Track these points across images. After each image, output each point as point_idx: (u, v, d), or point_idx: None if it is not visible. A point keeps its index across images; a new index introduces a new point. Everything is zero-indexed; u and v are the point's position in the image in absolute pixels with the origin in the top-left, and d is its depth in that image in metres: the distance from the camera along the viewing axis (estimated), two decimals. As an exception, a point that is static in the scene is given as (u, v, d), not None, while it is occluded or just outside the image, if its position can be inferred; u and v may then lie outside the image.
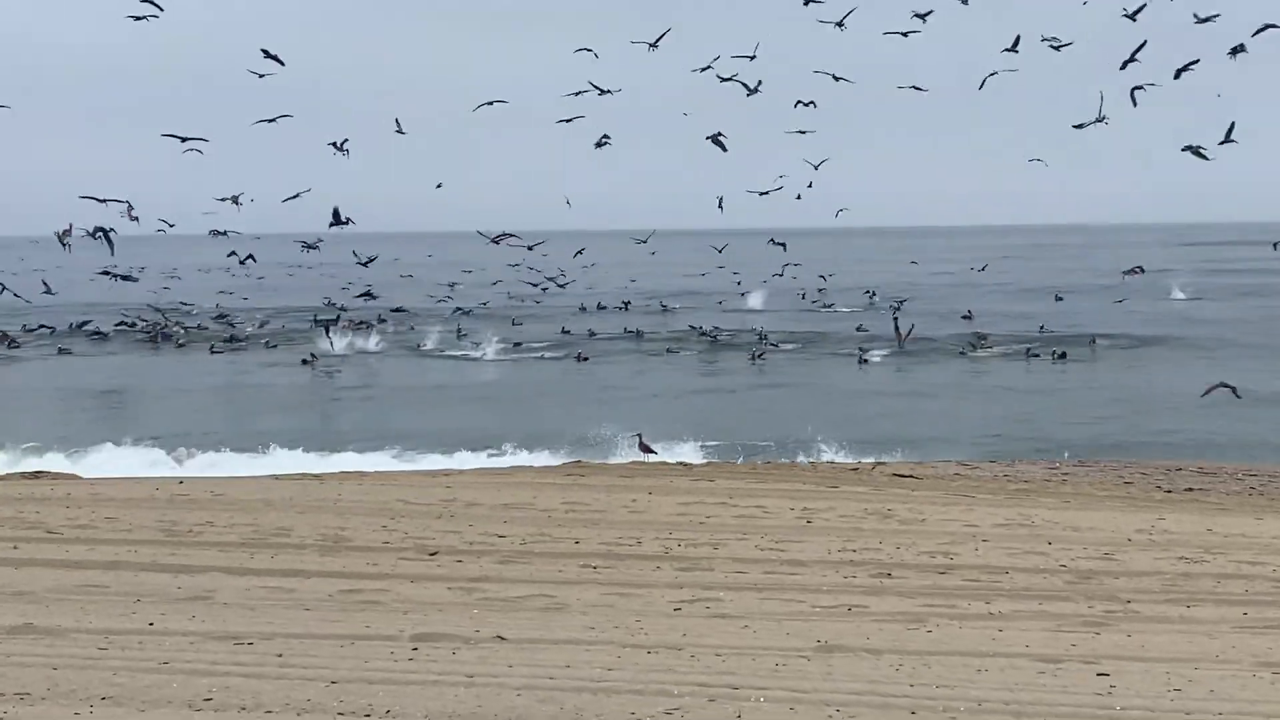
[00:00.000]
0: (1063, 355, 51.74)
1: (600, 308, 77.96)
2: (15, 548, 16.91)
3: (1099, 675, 11.43)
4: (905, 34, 27.34)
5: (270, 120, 26.93)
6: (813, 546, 17.77)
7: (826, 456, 30.00)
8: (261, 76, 25.91)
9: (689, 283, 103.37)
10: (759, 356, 53.48)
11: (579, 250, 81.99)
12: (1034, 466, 26.92)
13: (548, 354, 56.95)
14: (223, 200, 28.06)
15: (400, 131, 30.31)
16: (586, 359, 53.89)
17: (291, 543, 17.62)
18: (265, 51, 25.70)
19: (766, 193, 35.24)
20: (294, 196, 27.86)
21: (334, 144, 27.19)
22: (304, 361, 53.41)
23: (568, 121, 29.81)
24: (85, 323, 65.47)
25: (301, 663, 11.50)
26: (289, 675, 11.11)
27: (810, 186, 33.93)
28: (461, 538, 18.13)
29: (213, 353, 57.04)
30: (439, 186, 31.93)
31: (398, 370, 53.02)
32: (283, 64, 25.66)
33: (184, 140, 25.29)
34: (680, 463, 27.10)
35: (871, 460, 27.72)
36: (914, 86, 30.58)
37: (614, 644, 12.37)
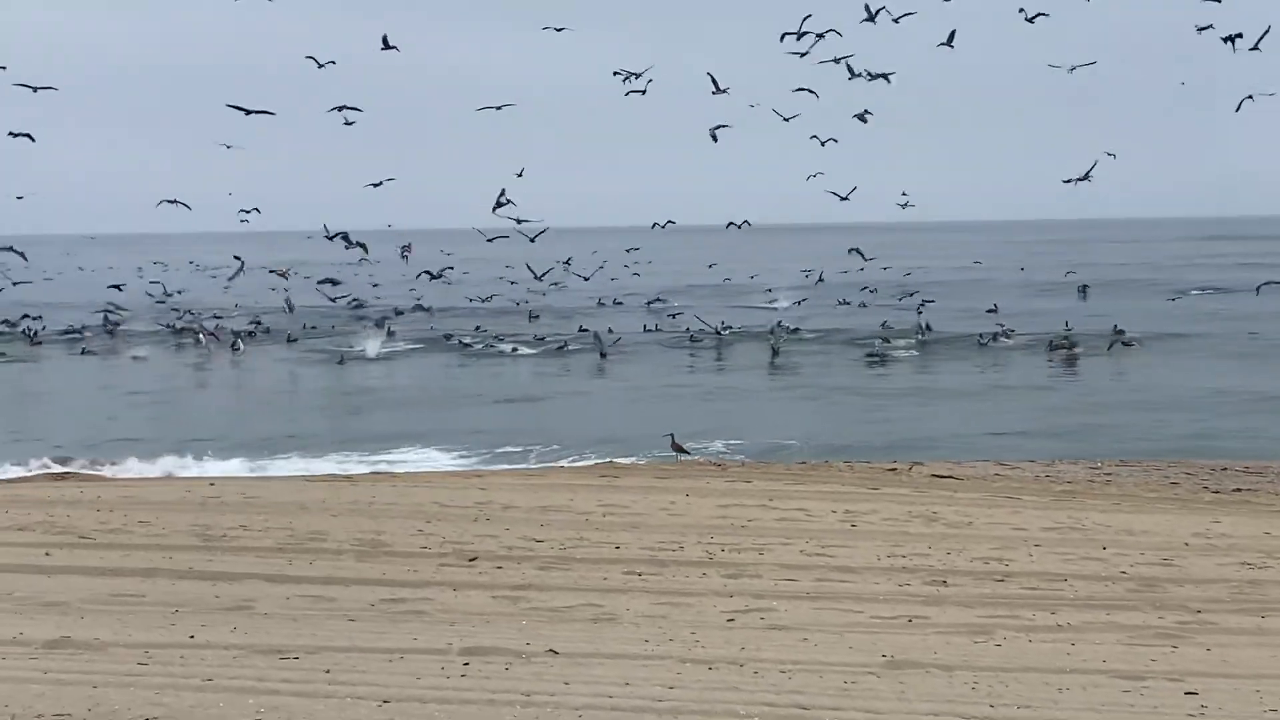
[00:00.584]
0: (1072, 349, 50.98)
1: (615, 303, 76.95)
2: (48, 554, 16.41)
3: (1187, 694, 10.84)
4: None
5: (345, 113, 26.48)
6: (860, 552, 17.20)
7: (855, 456, 29.45)
8: (321, 65, 25.54)
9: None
10: (777, 352, 52.68)
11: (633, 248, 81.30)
12: (1075, 466, 26.28)
13: (571, 348, 56.29)
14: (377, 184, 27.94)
15: (348, 123, 29.49)
16: (605, 355, 53.07)
17: (328, 548, 17.10)
18: (385, 41, 25.50)
19: (844, 197, 34.39)
20: (378, 184, 27.38)
21: (341, 109, 26.75)
22: (339, 362, 52.90)
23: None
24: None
25: (350, 679, 10.95)
26: (338, 693, 10.56)
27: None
28: (500, 542, 17.59)
29: (234, 350, 56.15)
30: (519, 174, 30.96)
31: (425, 368, 52.57)
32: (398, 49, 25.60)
33: (249, 112, 24.79)
34: (713, 462, 26.55)
35: (908, 461, 27.10)
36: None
37: (671, 659, 11.81)
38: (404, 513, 19.63)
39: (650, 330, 62.17)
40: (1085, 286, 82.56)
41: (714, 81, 29.71)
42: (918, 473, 25.02)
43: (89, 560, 16.08)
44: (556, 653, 11.95)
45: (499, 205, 28.73)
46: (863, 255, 57.52)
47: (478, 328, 62.53)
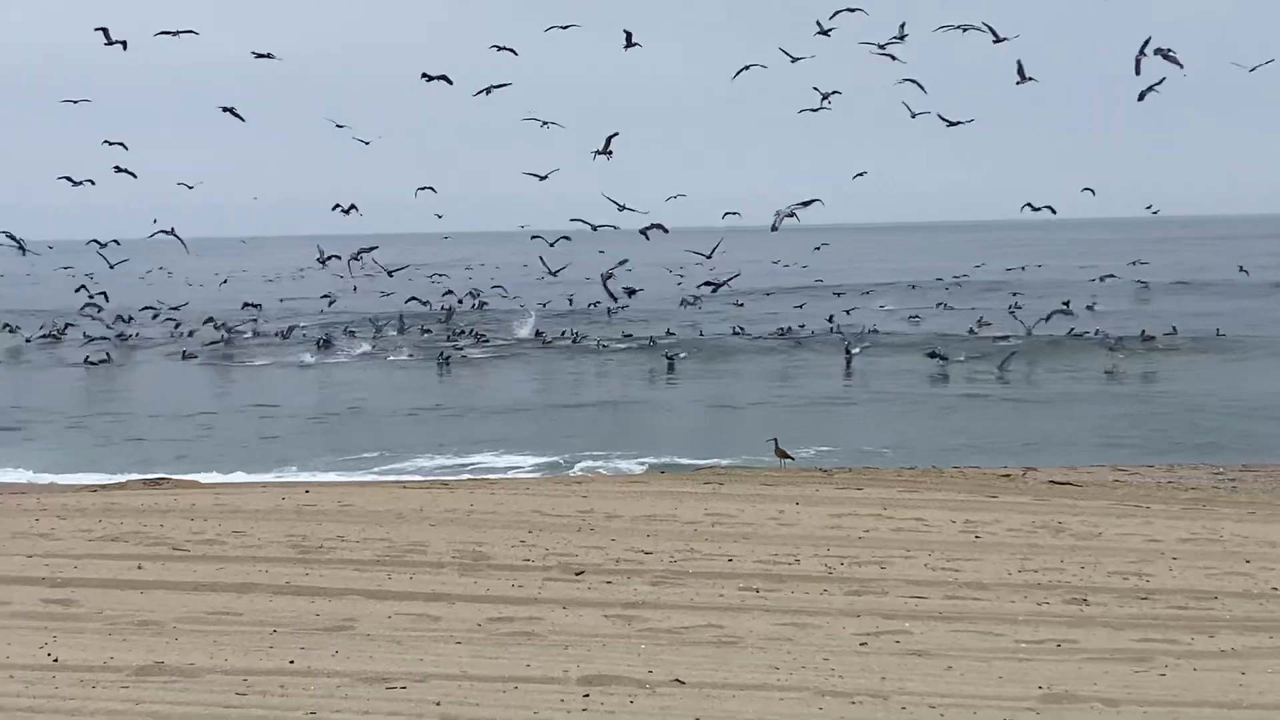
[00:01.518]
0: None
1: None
2: (140, 567, 15.62)
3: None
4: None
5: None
6: (989, 566, 16.05)
7: (954, 461, 28.28)
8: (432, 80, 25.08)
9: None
10: (852, 352, 51.02)
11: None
12: (1196, 471, 24.95)
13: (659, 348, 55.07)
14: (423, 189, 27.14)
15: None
16: (672, 358, 51.49)
17: (429, 560, 16.19)
18: (426, 75, 24.91)
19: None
20: (426, 187, 26.54)
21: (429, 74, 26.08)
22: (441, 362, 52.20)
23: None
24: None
25: (464, 714, 10.01)
26: (451, 729, 9.62)
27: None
28: (606, 554, 16.61)
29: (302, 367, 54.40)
30: (605, 153, 29.82)
31: (514, 369, 51.84)
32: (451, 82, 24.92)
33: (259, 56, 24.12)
34: (819, 468, 25.44)
35: (1020, 466, 25.85)
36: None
37: (808, 690, 10.76)
38: (504, 522, 18.73)
39: (737, 332, 60.67)
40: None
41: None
42: (1033, 479, 23.78)
43: (182, 575, 15.27)
44: (682, 682, 10.94)
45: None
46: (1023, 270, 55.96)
47: (564, 333, 61.31)
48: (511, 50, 25.56)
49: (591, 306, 69.95)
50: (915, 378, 46.19)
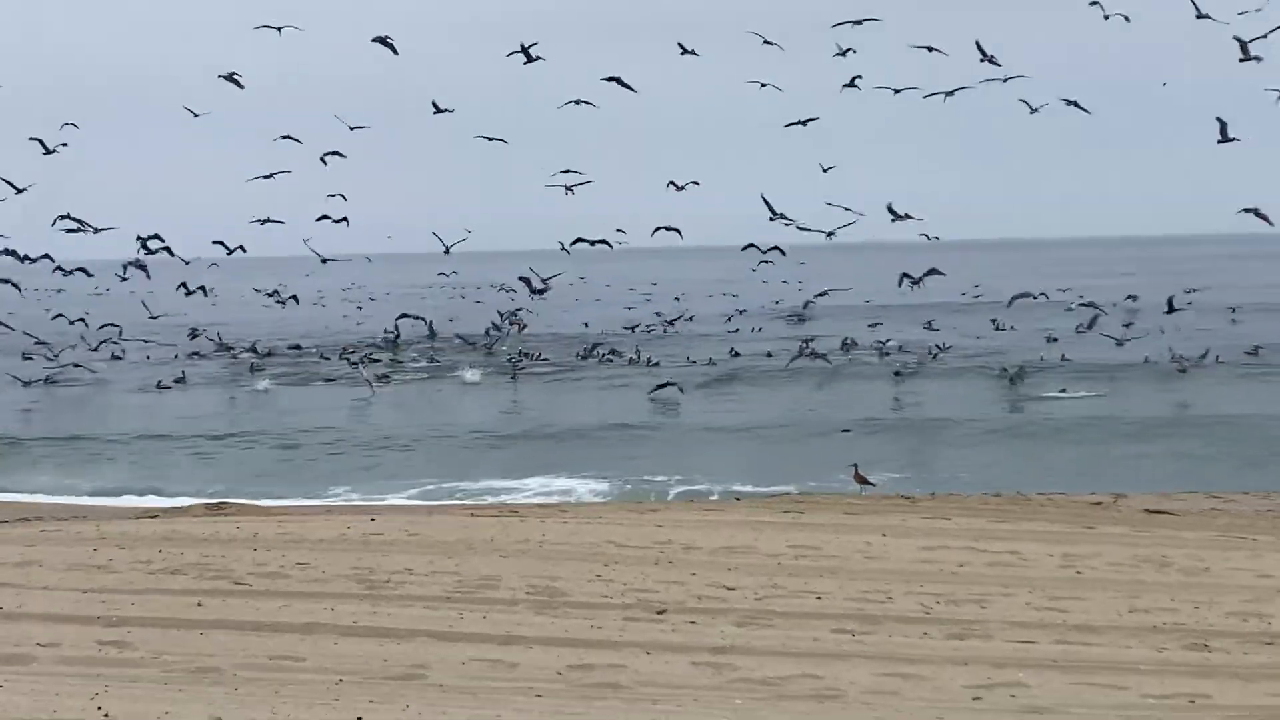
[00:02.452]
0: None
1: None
2: (199, 604, 14.72)
3: None
4: None
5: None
6: (1096, 606, 14.89)
7: (1032, 486, 27.09)
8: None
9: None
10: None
11: None
12: (1297, 499, 23.62)
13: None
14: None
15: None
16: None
17: (502, 597, 15.23)
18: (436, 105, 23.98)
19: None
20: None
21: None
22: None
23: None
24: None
25: (549, 785, 9.01)
26: (535, 803, 8.62)
27: None
28: (687, 590, 15.58)
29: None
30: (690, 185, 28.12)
31: (567, 390, 50.81)
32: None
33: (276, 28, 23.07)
34: (901, 495, 24.29)
35: (1111, 493, 24.59)
36: None
37: (926, 755, 9.70)
38: (579, 554, 17.74)
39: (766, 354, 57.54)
40: None
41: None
42: (1126, 507, 22.55)
43: (243, 612, 14.36)
44: (786, 746, 9.91)
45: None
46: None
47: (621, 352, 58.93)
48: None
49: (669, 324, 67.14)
50: (983, 399, 44.65)
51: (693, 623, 14.11)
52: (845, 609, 14.77)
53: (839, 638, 13.51)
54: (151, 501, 29.89)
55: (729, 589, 15.66)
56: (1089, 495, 24.75)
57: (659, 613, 14.56)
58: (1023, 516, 20.98)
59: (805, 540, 18.61)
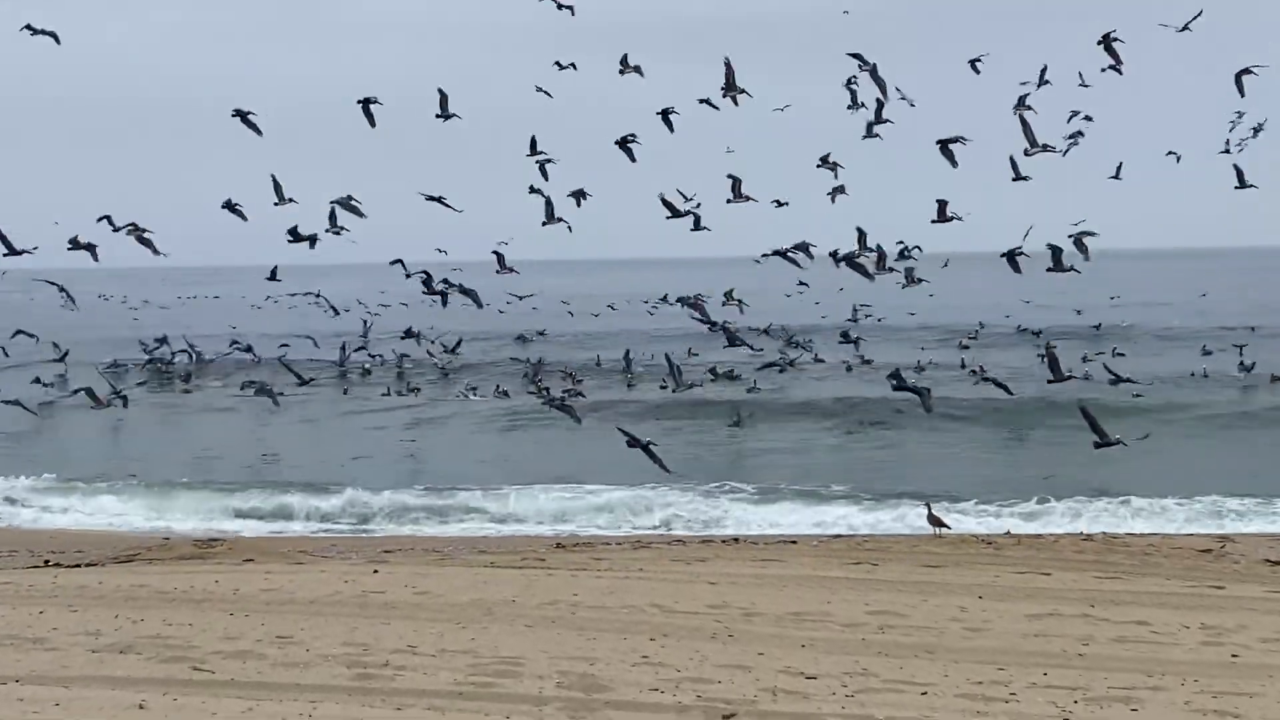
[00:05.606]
0: None
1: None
2: (141, 705, 11.10)
3: None
4: None
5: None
6: (1272, 704, 11.28)
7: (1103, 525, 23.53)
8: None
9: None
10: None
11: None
12: None
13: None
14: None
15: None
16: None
17: (525, 691, 11.62)
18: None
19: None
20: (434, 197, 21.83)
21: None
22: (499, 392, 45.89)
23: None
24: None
25: None
26: None
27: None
28: (756, 681, 11.98)
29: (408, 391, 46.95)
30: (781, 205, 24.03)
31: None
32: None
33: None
34: (980, 538, 20.59)
35: (1217, 535, 20.94)
36: None
37: None
38: (618, 623, 14.15)
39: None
40: None
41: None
42: (1239, 555, 18.89)
43: (196, 718, 10.78)
44: None
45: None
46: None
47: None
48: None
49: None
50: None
51: (770, 732, 10.56)
52: (956, 705, 11.19)
53: (966, 761, 9.92)
54: (153, 524, 26.58)
55: (808, 677, 12.07)
56: (1186, 533, 21.16)
57: (727, 718, 10.97)
58: (1132, 570, 17.34)
59: (887, 603, 15.02)
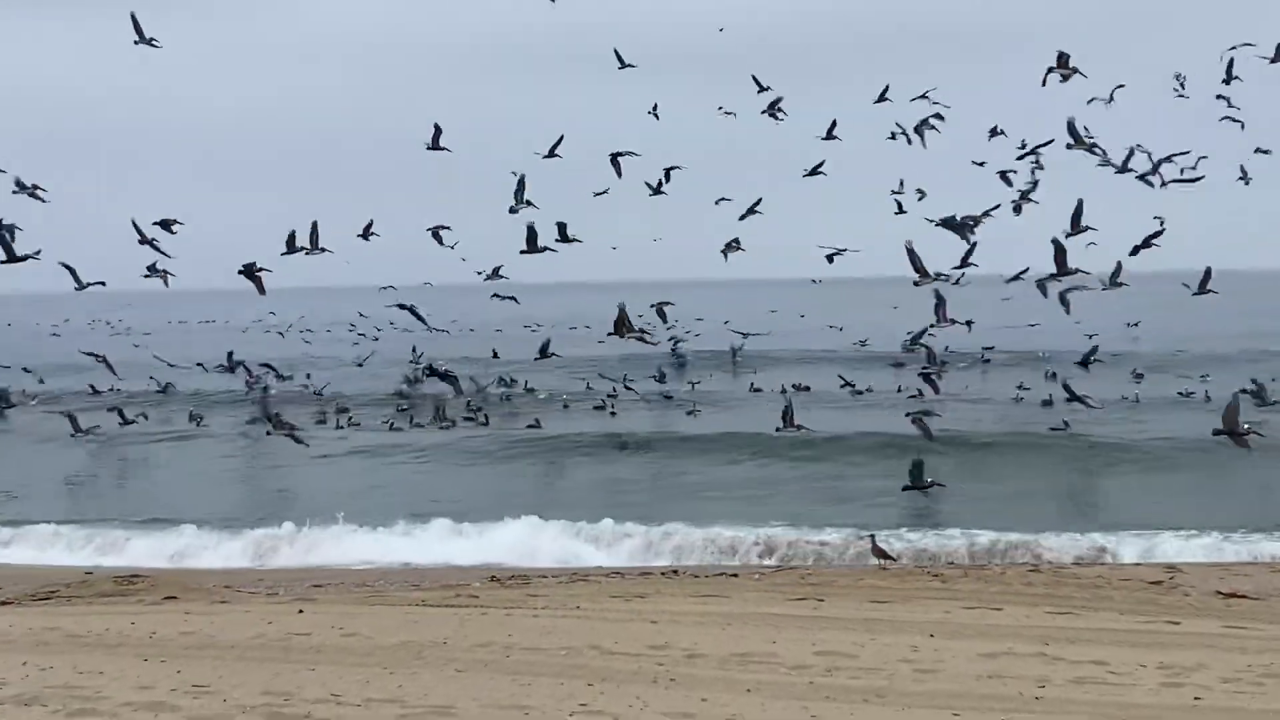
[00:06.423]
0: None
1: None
2: (39, 769, 10.23)
3: None
4: None
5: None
6: (1240, 754, 10.69)
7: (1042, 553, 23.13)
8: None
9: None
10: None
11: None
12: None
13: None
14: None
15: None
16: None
17: (456, 747, 10.83)
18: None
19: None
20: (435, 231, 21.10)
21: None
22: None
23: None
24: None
25: None
26: None
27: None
28: (701, 729, 11.24)
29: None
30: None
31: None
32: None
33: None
34: (928, 571, 19.95)
35: (1164, 564, 20.43)
36: None
37: None
38: (554, 666, 13.35)
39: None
40: None
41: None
42: (1189, 586, 18.37)
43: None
44: None
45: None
46: None
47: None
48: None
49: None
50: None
51: (717, 792, 9.81)
52: (912, 760, 10.50)
53: (924, 821, 9.22)
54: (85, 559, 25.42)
55: (755, 727, 11.35)
56: (1132, 562, 20.69)
57: (669, 774, 10.22)
58: (1085, 604, 16.74)
59: (835, 642, 14.33)
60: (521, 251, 19.53)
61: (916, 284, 18.28)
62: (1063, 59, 19.18)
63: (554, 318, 78.26)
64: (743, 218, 22.49)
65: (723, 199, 23.39)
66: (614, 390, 45.39)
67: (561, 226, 19.71)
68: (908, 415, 24.02)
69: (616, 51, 22.49)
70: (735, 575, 19.90)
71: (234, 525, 27.53)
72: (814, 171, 22.69)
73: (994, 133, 22.27)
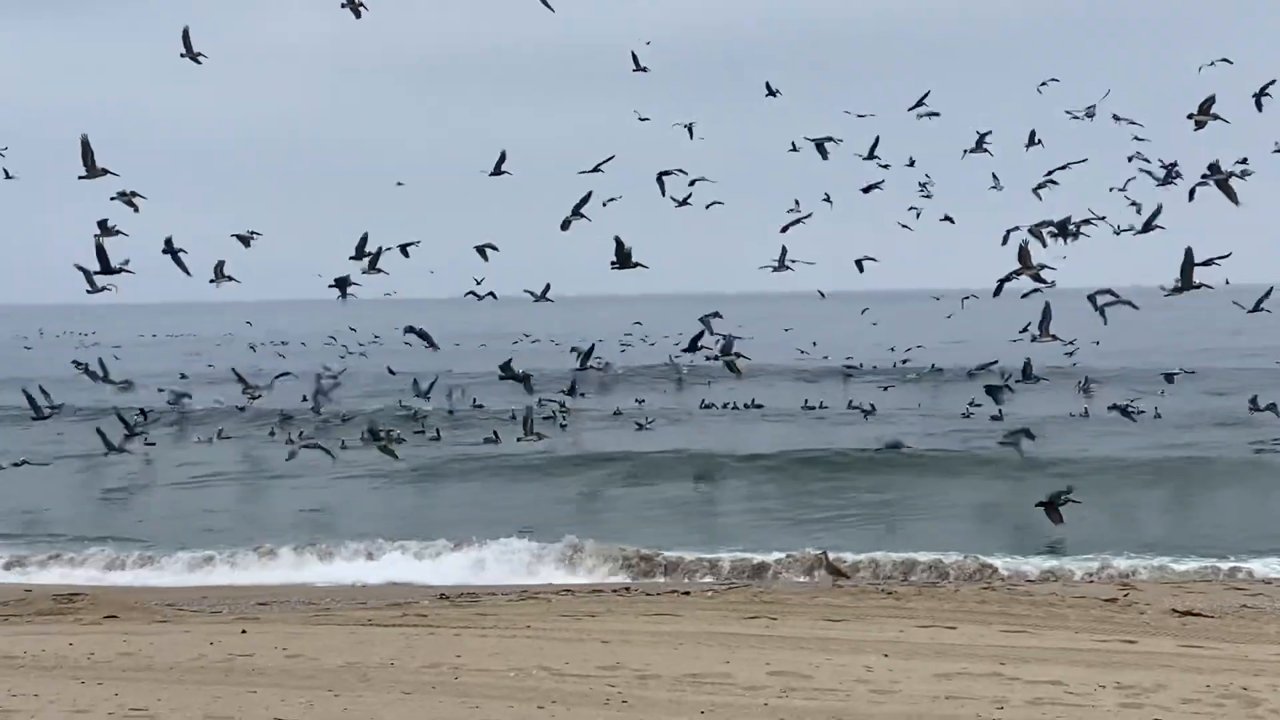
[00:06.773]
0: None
1: None
2: (-36, 799, 9.79)
3: None
4: None
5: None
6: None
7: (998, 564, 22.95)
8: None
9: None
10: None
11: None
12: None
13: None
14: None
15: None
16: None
17: (401, 774, 10.46)
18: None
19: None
20: (405, 246, 20.64)
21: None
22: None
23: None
24: None
25: None
26: None
27: None
28: (654, 754, 10.92)
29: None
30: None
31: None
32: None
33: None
34: (881, 589, 19.69)
35: (1118, 580, 20.28)
36: None
37: None
38: (504, 690, 12.99)
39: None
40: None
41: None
42: (1145, 604, 18.20)
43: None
44: None
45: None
46: None
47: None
48: None
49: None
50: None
51: (670, 819, 9.49)
52: (871, 786, 10.22)
53: None
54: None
55: (708, 750, 11.05)
56: (1087, 577, 20.52)
57: (622, 802, 9.90)
58: (1039, 623, 16.54)
59: (789, 664, 14.03)
60: (613, 265, 18.96)
61: (1016, 275, 18.04)
62: (1205, 106, 18.78)
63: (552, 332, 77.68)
64: (785, 229, 22.31)
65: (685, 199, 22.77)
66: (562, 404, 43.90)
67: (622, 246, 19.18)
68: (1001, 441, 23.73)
69: (634, 54, 22.23)
70: (687, 594, 19.59)
71: (179, 544, 26.89)
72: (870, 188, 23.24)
73: (1031, 141, 22.26)
